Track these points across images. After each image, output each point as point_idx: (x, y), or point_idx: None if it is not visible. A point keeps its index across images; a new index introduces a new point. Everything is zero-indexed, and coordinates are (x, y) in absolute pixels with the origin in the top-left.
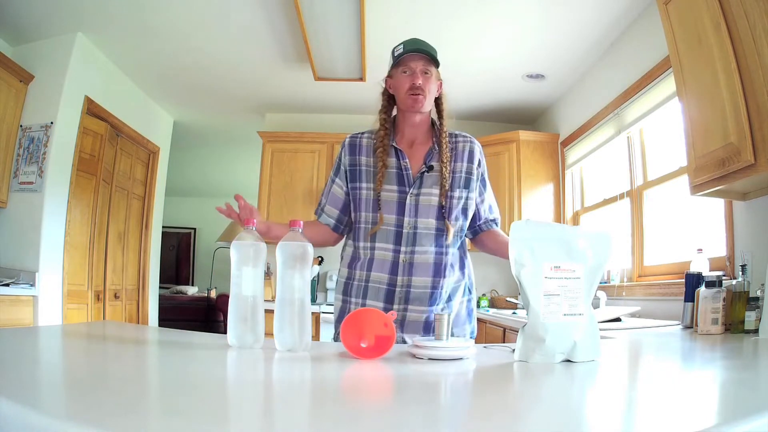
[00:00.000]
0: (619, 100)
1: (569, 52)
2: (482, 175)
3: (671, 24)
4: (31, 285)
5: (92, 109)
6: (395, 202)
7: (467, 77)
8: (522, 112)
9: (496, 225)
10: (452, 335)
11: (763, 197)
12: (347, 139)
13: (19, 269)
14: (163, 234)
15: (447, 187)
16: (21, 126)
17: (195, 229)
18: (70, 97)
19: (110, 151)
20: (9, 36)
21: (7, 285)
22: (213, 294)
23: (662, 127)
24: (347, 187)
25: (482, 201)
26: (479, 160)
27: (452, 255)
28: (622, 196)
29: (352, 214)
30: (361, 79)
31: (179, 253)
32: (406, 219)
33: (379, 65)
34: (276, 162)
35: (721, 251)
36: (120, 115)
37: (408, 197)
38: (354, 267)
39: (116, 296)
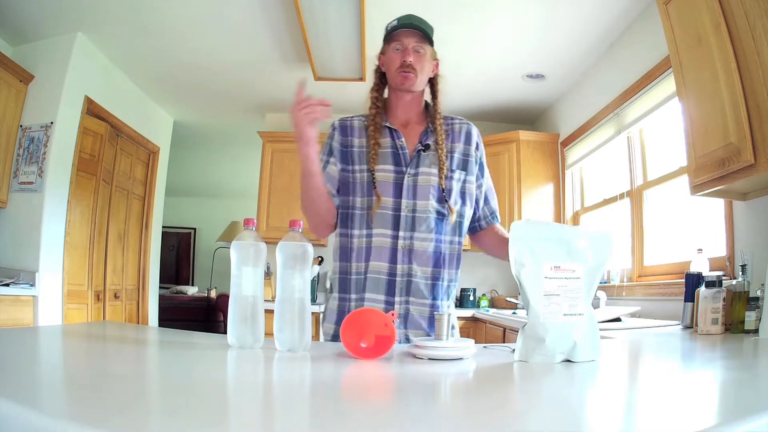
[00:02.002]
0: (619, 100)
1: (569, 52)
2: (480, 159)
3: (671, 24)
4: (31, 285)
5: (92, 109)
6: (391, 183)
7: (467, 77)
8: (522, 112)
9: (496, 219)
10: None
11: (763, 197)
12: (337, 122)
13: (19, 269)
14: (163, 234)
15: (446, 170)
16: (21, 126)
17: (195, 229)
18: (70, 97)
19: (110, 151)
20: (9, 36)
21: (7, 285)
22: (213, 294)
23: (662, 127)
24: (341, 163)
25: (479, 187)
26: (477, 143)
27: (451, 246)
28: (622, 196)
29: (343, 199)
30: (361, 79)
31: (179, 253)
32: (403, 201)
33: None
34: (276, 162)
35: (721, 251)
36: (120, 115)
37: (405, 177)
38: (349, 259)
39: (116, 296)
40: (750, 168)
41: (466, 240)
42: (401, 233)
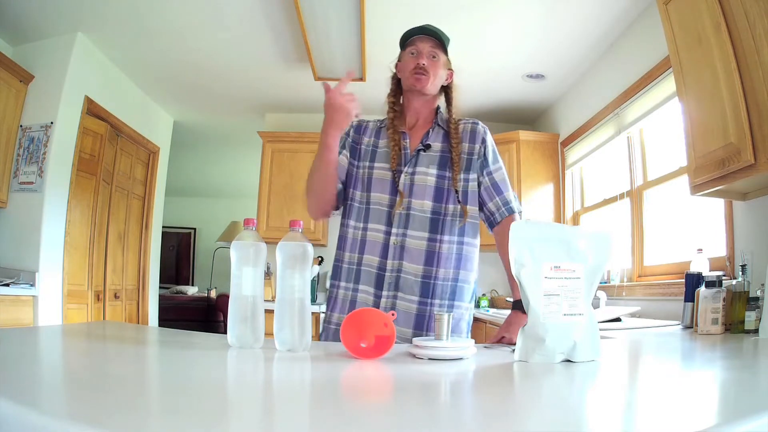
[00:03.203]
0: (619, 100)
1: (569, 52)
2: (485, 153)
3: (671, 24)
4: (31, 285)
5: (92, 109)
6: (389, 180)
7: (467, 77)
8: (522, 112)
9: (511, 210)
10: None
11: (763, 197)
12: (355, 121)
13: (19, 269)
14: (163, 234)
15: (460, 171)
16: (21, 126)
17: (195, 229)
18: (70, 97)
19: (110, 151)
20: (9, 36)
21: (7, 285)
22: (213, 294)
23: (662, 127)
24: (349, 159)
25: (485, 176)
26: (483, 138)
27: (449, 245)
28: (622, 196)
29: (346, 191)
30: (361, 79)
31: (179, 253)
32: (398, 199)
33: (379, 65)
34: (276, 162)
35: (721, 251)
36: (120, 115)
37: (402, 176)
38: (343, 248)
39: (116, 296)
40: (750, 168)
41: None
42: (394, 230)
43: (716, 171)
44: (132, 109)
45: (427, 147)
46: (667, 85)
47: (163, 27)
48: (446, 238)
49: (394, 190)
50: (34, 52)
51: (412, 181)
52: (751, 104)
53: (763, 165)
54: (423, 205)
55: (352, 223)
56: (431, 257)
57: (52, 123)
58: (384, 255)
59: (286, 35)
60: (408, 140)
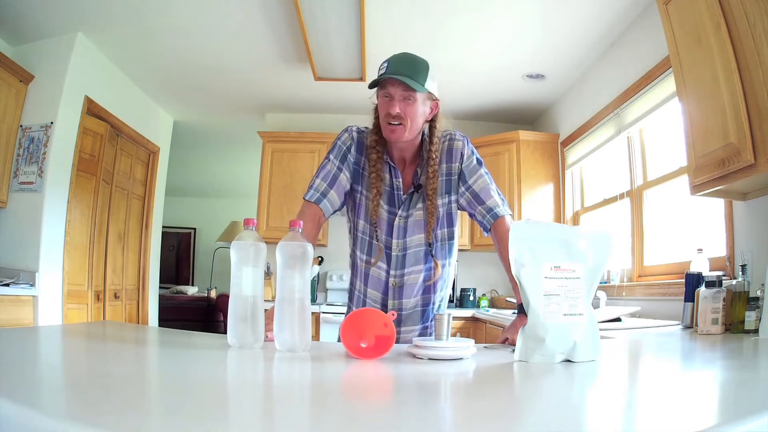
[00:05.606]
0: (619, 100)
1: (569, 52)
2: (461, 170)
3: (671, 24)
4: (31, 285)
5: (92, 109)
6: (385, 222)
7: (467, 77)
8: (522, 112)
9: (497, 216)
10: None
11: (763, 197)
12: (355, 133)
13: (19, 269)
14: (163, 234)
15: (437, 197)
16: (21, 126)
17: (195, 229)
18: (70, 97)
19: (110, 151)
20: (9, 36)
21: (7, 285)
22: (213, 294)
23: (662, 127)
24: (351, 180)
25: (467, 190)
26: (461, 153)
27: (441, 269)
28: (622, 196)
29: (351, 216)
30: (361, 79)
31: (179, 253)
32: (394, 241)
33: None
34: (276, 162)
35: (721, 251)
36: (120, 115)
37: (396, 219)
38: (356, 275)
39: (116, 296)
40: (750, 168)
41: (465, 239)
42: (392, 271)
43: (716, 171)
44: (132, 109)
45: (419, 188)
46: (667, 85)
47: (163, 27)
48: (439, 263)
49: (390, 231)
50: (34, 52)
51: (407, 224)
52: (751, 104)
53: (763, 165)
54: (416, 239)
55: (358, 253)
56: (429, 287)
57: (52, 123)
58: (385, 292)
59: (286, 35)
60: (400, 179)
